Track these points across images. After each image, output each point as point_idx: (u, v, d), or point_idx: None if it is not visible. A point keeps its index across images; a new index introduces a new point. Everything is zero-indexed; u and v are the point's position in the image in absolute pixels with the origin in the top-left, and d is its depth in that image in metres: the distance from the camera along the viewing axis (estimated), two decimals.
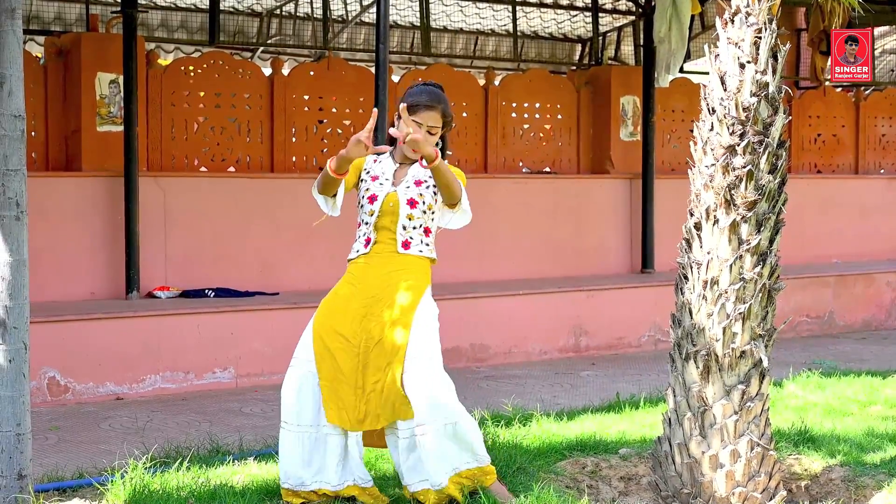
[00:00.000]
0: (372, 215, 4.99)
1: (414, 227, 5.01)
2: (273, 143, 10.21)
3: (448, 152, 5.23)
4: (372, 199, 5.00)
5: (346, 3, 12.20)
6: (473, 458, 4.94)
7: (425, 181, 5.03)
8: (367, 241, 5.01)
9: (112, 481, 5.06)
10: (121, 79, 9.19)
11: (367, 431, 4.97)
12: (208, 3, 10.49)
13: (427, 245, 5.06)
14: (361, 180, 5.06)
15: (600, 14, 12.62)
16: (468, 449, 4.92)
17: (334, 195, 5.02)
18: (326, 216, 5.12)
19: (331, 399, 4.88)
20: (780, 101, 4.92)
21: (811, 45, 12.98)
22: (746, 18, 4.89)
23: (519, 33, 12.81)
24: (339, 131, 10.65)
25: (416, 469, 4.85)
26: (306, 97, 10.46)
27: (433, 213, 5.05)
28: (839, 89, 14.11)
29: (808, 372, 8.35)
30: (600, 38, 13.05)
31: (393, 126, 4.95)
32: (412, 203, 4.99)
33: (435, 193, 5.02)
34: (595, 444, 5.95)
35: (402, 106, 4.85)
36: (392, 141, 5.08)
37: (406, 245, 5.01)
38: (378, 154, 5.09)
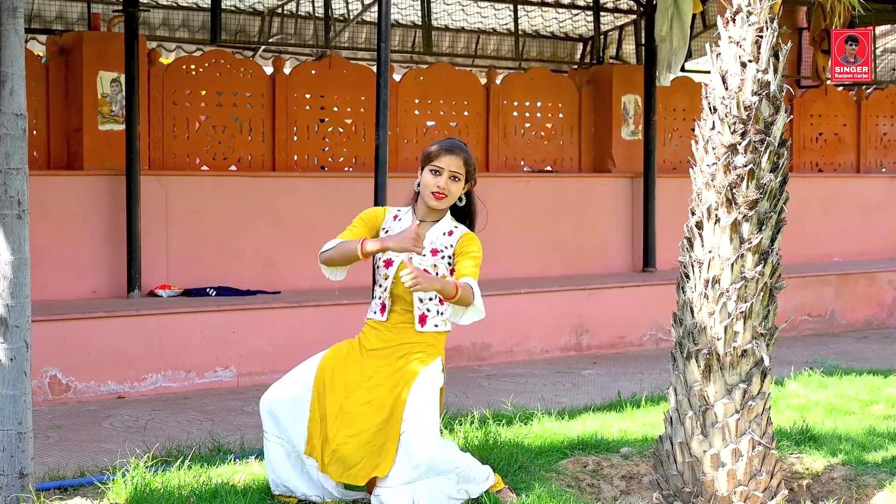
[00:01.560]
0: (387, 279, 4.87)
1: (430, 299, 4.87)
2: (275, 142, 10.22)
3: (476, 207, 5.05)
4: (388, 263, 4.87)
5: (347, 2, 12.20)
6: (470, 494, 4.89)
7: (441, 251, 4.89)
8: (383, 308, 4.90)
9: (113, 480, 5.07)
10: (122, 77, 9.19)
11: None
12: (210, 2, 10.48)
13: (442, 315, 4.91)
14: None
15: (602, 13, 12.62)
16: (462, 495, 4.86)
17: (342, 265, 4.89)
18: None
19: (312, 435, 4.84)
20: (781, 100, 4.92)
21: (812, 44, 12.98)
22: (748, 17, 4.89)
23: (520, 32, 12.81)
24: (341, 130, 10.65)
25: None
26: (308, 96, 10.46)
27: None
28: (840, 88, 14.10)
29: (809, 371, 8.35)
30: (601, 36, 13.05)
31: (416, 182, 4.89)
32: (425, 273, 4.72)
33: (450, 264, 4.89)
34: (596, 442, 5.95)
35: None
36: (413, 196, 4.98)
37: (423, 320, 4.88)
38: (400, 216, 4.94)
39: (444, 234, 4.92)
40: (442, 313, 4.91)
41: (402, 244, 4.64)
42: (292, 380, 4.93)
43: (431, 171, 4.86)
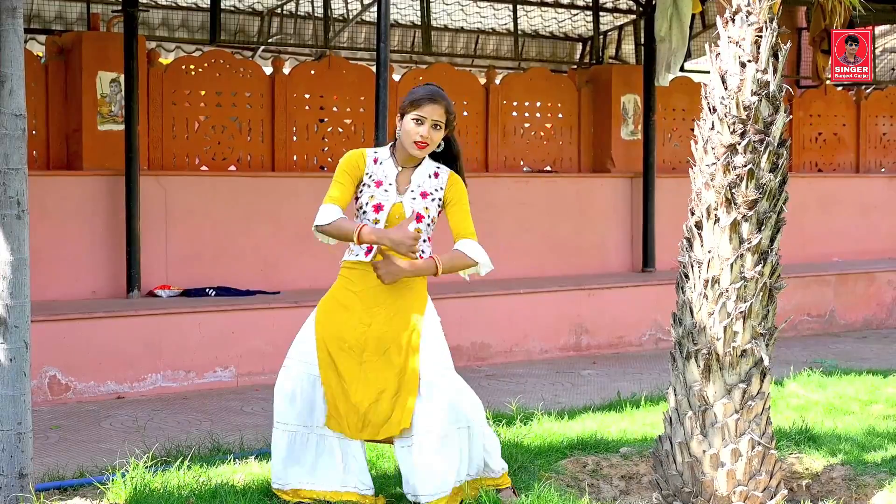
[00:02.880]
0: (377, 224, 4.84)
1: (422, 241, 4.89)
2: (274, 142, 10.21)
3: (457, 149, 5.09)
4: (378, 208, 4.86)
5: (346, 3, 12.20)
6: (487, 469, 4.91)
7: (431, 193, 4.92)
8: (370, 250, 4.87)
9: (113, 480, 5.07)
10: (122, 78, 9.19)
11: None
12: (209, 2, 10.48)
13: (425, 254, 4.93)
14: (364, 184, 4.90)
15: (601, 13, 12.62)
16: (480, 458, 4.87)
17: None
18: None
19: (332, 407, 4.82)
20: (780, 100, 4.92)
21: (812, 44, 12.98)
22: (747, 17, 4.89)
23: (520, 32, 12.81)
24: (340, 130, 10.65)
25: (428, 479, 4.72)
26: (307, 96, 10.46)
27: (434, 223, 4.95)
28: (840, 88, 14.10)
29: (808, 371, 8.35)
30: (601, 36, 13.05)
31: (396, 127, 4.93)
32: (419, 218, 4.86)
33: (440, 206, 4.93)
34: (596, 442, 5.95)
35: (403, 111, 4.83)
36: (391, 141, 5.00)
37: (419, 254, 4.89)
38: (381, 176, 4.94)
39: (430, 176, 4.95)
40: (426, 253, 4.92)
41: (398, 246, 4.69)
42: (294, 361, 4.91)
43: (414, 119, 4.83)
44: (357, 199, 4.92)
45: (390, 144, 5.01)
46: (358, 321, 4.85)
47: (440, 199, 4.93)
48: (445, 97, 4.92)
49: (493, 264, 4.92)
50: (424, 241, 4.90)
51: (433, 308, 4.94)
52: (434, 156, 5.03)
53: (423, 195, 4.90)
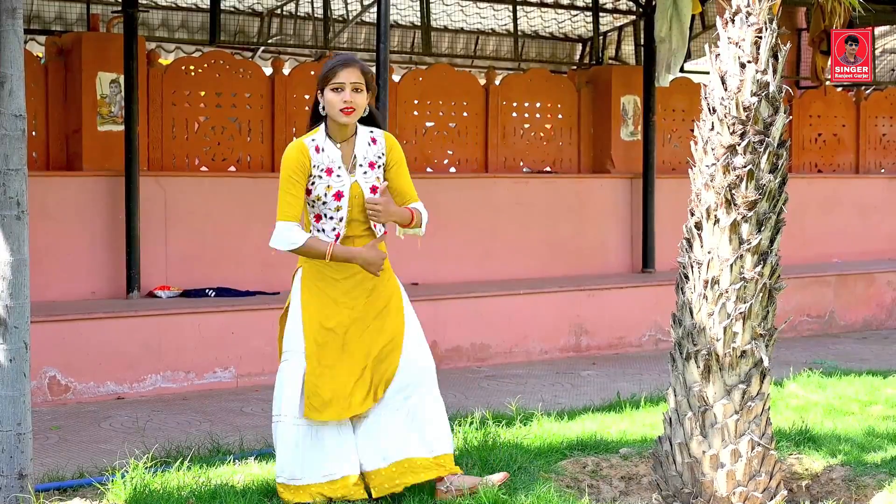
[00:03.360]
0: (340, 211, 4.91)
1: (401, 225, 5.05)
2: (274, 143, 10.21)
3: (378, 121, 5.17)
4: (338, 196, 4.91)
5: (346, 3, 12.20)
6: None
7: (376, 161, 5.00)
8: (337, 237, 4.94)
9: (113, 481, 5.07)
10: (121, 78, 9.20)
11: None
12: (209, 3, 10.48)
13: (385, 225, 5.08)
14: (314, 177, 4.90)
15: (601, 14, 12.62)
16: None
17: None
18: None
19: (314, 396, 4.86)
20: (780, 101, 4.93)
21: (812, 45, 12.97)
22: (747, 18, 4.89)
23: (519, 33, 12.81)
24: None
25: (423, 438, 4.93)
26: (307, 97, 10.45)
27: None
28: (840, 89, 14.11)
29: (808, 371, 8.35)
30: (601, 37, 13.04)
31: (319, 104, 5.00)
32: (374, 190, 4.96)
33: (384, 170, 5.02)
34: (596, 443, 5.95)
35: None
36: (317, 117, 5.01)
37: (383, 231, 5.06)
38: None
39: (369, 144, 5.01)
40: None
41: (369, 266, 4.88)
42: (292, 354, 4.98)
43: (333, 89, 4.86)
44: (309, 192, 4.93)
45: (322, 127, 4.98)
46: (343, 306, 4.96)
47: (383, 165, 5.02)
48: (358, 60, 4.97)
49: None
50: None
51: (397, 280, 5.13)
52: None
53: (371, 166, 4.99)
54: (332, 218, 4.94)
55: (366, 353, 4.93)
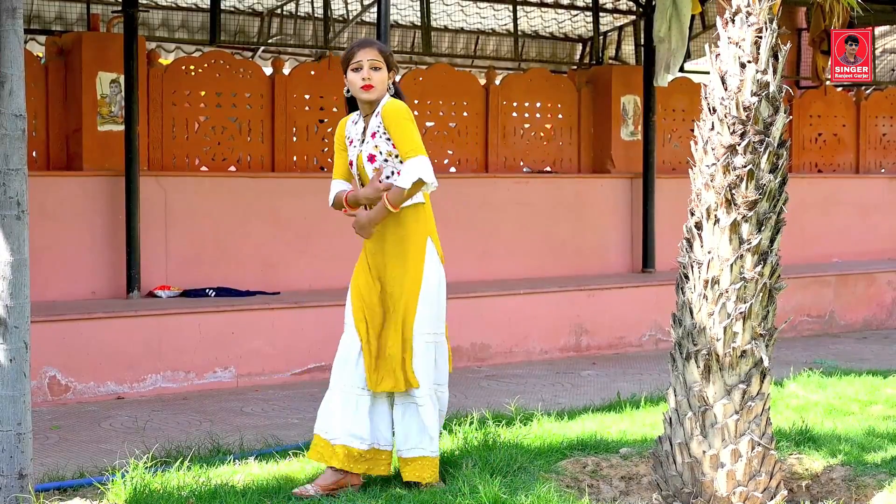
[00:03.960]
0: (355, 178, 5.31)
1: (388, 176, 5.17)
2: (274, 143, 10.21)
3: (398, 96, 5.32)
4: (352, 164, 5.31)
5: (346, 3, 12.20)
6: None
7: (377, 131, 5.20)
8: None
9: (113, 481, 5.07)
10: (122, 78, 9.20)
11: None
12: (209, 3, 10.48)
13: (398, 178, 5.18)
14: (348, 148, 5.34)
15: (601, 14, 12.62)
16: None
17: None
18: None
19: (367, 362, 5.18)
20: (780, 101, 4.92)
21: (812, 45, 12.98)
22: (747, 18, 4.89)
23: (519, 33, 12.81)
24: None
25: (419, 435, 5.17)
26: (307, 97, 10.46)
27: (397, 157, 5.16)
28: (840, 89, 14.11)
29: (808, 371, 8.35)
30: (601, 37, 13.04)
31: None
32: (371, 158, 5.20)
33: (389, 140, 5.16)
34: (596, 443, 5.95)
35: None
36: (352, 103, 5.32)
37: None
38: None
39: (376, 115, 5.22)
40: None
41: (372, 201, 5.14)
42: (347, 326, 5.27)
43: (353, 69, 5.19)
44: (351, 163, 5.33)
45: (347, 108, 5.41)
46: (368, 274, 5.23)
47: (384, 133, 5.18)
48: (374, 41, 5.36)
49: (436, 179, 5.16)
50: (390, 176, 5.17)
51: (434, 260, 5.27)
52: None
53: (373, 135, 5.21)
54: (355, 185, 5.33)
55: (389, 336, 5.19)
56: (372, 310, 5.20)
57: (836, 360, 9.50)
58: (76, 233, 9.05)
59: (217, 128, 10.02)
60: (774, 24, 4.91)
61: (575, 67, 12.78)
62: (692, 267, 4.94)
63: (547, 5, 12.68)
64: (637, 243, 11.77)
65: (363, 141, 5.23)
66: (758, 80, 4.84)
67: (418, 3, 11.67)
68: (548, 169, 11.90)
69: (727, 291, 4.82)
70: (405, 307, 5.16)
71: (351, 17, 12.16)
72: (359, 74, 5.16)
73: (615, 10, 12.87)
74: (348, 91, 5.27)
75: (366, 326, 5.19)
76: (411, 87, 11.06)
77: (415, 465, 5.18)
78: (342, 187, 5.34)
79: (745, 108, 4.83)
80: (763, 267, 4.83)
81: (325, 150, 10.49)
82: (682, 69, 11.62)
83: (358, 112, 5.32)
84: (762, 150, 4.82)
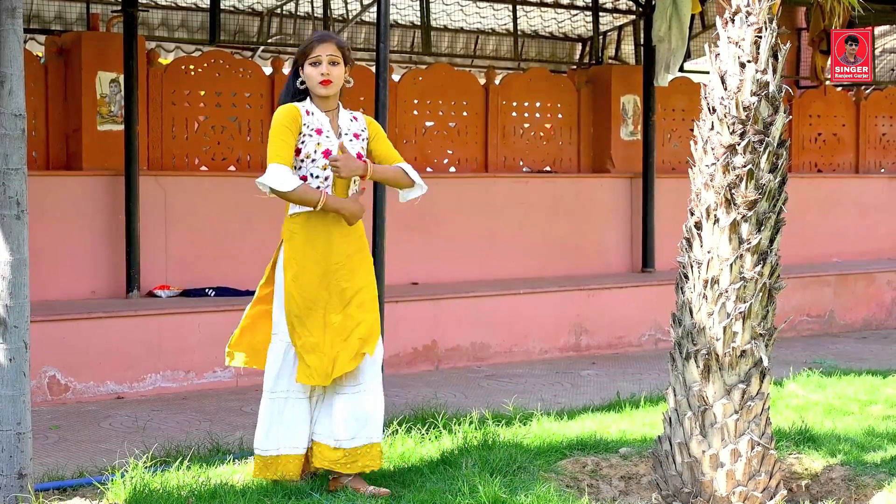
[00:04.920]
0: (327, 169, 5.14)
1: (361, 177, 5.22)
2: None
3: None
4: (327, 153, 5.15)
5: (346, 3, 12.19)
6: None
7: (360, 134, 5.27)
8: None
9: (112, 480, 5.07)
10: (121, 78, 9.19)
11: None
12: (209, 3, 10.48)
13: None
14: (304, 135, 5.14)
15: (601, 13, 12.62)
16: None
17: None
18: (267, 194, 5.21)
19: (301, 363, 5.12)
20: (780, 101, 4.93)
21: (811, 45, 12.98)
22: (747, 18, 4.89)
23: (519, 32, 12.81)
24: None
25: (366, 423, 5.15)
26: None
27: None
28: (839, 88, 14.10)
29: (808, 371, 8.36)
30: (600, 37, 13.04)
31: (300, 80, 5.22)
32: (359, 157, 5.19)
33: (367, 142, 5.31)
34: (595, 443, 5.95)
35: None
36: (302, 93, 5.24)
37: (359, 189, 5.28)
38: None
39: (351, 120, 5.29)
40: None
41: (354, 217, 5.14)
42: (276, 337, 5.23)
43: (311, 63, 5.16)
44: (298, 151, 5.13)
45: (308, 99, 5.24)
46: (320, 279, 5.14)
47: (366, 138, 5.29)
48: (333, 35, 5.31)
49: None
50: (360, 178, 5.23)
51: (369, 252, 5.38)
52: None
53: (356, 136, 5.24)
54: (317, 177, 5.17)
55: (345, 327, 5.16)
56: (326, 308, 5.15)
57: (835, 360, 9.50)
58: (76, 232, 9.05)
59: (217, 127, 10.02)
60: (774, 24, 4.91)
61: (575, 67, 12.77)
62: (692, 267, 4.94)
63: (547, 5, 12.68)
64: (637, 243, 11.77)
65: (340, 136, 5.19)
66: (757, 80, 4.84)
67: (418, 2, 11.67)
68: (547, 169, 11.90)
69: (727, 291, 4.82)
70: (365, 290, 5.22)
71: (351, 17, 12.15)
72: (317, 69, 5.14)
73: (615, 10, 12.87)
74: (303, 83, 5.20)
75: (303, 329, 5.12)
76: (411, 86, 11.07)
77: (366, 455, 5.15)
78: (294, 177, 5.05)
79: (744, 108, 4.83)
80: (763, 267, 4.84)
81: None
82: (681, 69, 11.63)
83: (309, 104, 5.21)
84: (762, 149, 4.83)
